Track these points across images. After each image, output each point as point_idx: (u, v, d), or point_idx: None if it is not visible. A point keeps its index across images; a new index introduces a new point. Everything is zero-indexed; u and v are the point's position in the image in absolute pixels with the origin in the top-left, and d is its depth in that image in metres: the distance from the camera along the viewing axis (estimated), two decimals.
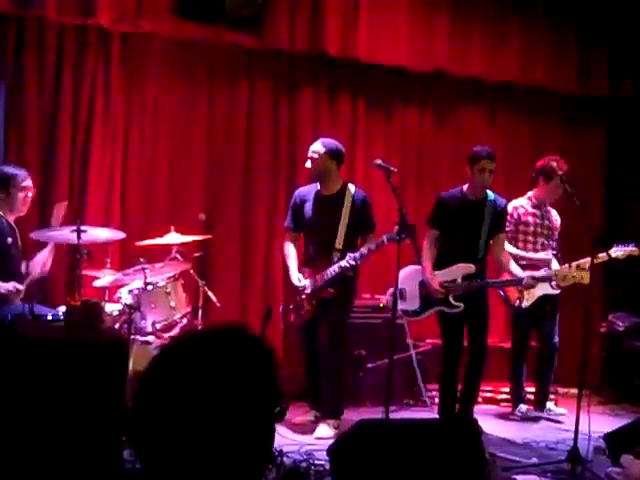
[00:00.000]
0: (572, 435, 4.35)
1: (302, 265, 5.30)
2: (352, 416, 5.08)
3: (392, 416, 4.57)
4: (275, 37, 6.21)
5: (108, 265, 5.25)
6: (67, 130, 5.85)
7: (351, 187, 5.29)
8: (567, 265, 5.59)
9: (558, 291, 5.56)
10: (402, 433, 3.66)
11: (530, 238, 5.80)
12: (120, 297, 5.09)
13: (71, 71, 5.86)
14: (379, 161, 4.81)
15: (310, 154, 5.23)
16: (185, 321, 5.23)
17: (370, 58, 6.55)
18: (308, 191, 5.36)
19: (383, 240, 4.88)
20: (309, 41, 6.32)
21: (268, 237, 6.44)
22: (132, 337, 4.75)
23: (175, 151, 6.25)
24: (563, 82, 7.23)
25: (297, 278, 5.21)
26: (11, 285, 4.65)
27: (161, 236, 5.36)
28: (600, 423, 4.89)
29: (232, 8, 5.89)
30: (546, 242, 5.84)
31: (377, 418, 4.64)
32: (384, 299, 5.76)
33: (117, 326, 4.87)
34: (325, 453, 3.68)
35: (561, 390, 6.45)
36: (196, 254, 5.69)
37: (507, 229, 5.65)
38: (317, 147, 5.21)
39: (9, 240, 4.77)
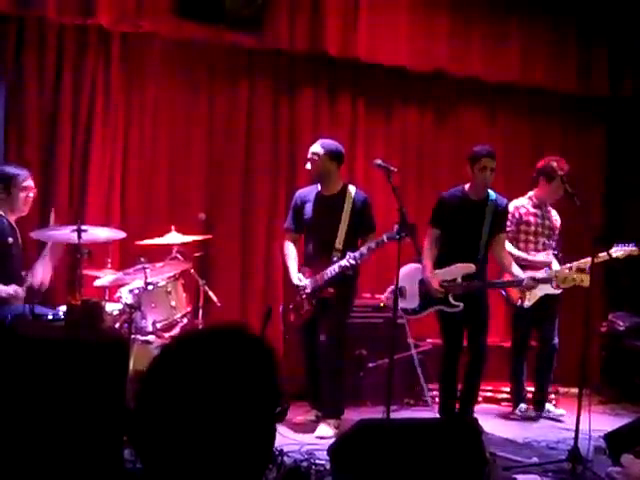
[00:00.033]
0: (573, 435, 4.35)
1: (302, 265, 5.31)
2: (353, 416, 5.08)
3: (393, 416, 4.57)
4: (275, 37, 6.21)
5: (109, 265, 5.25)
6: (67, 130, 5.85)
7: (352, 188, 5.29)
8: (567, 266, 5.59)
9: (559, 291, 5.55)
10: (402, 433, 3.66)
11: (531, 238, 5.80)
12: (120, 297, 5.09)
13: (71, 71, 5.86)
14: (379, 161, 4.81)
15: (310, 156, 5.23)
16: (185, 321, 5.23)
17: (370, 58, 6.55)
18: (309, 192, 5.37)
19: (383, 239, 4.88)
20: (309, 41, 6.32)
21: (268, 237, 6.44)
22: (132, 337, 4.75)
23: (175, 151, 6.25)
24: (563, 82, 7.23)
25: (297, 278, 5.21)
26: (12, 289, 4.63)
27: (161, 236, 5.36)
28: (600, 423, 4.89)
29: (232, 8, 5.89)
30: (547, 242, 5.84)
31: (378, 418, 4.64)
32: (383, 296, 5.76)
33: (117, 326, 4.86)
34: (326, 453, 3.69)
35: (561, 390, 6.45)
36: (196, 254, 5.69)
37: (508, 229, 5.65)
38: (316, 149, 5.21)
39: (10, 240, 4.77)
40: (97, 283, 5.06)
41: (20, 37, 5.73)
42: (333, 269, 5.05)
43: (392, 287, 5.34)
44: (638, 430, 4.54)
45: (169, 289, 5.13)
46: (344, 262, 4.99)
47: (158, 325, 5.06)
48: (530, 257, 5.70)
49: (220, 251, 6.27)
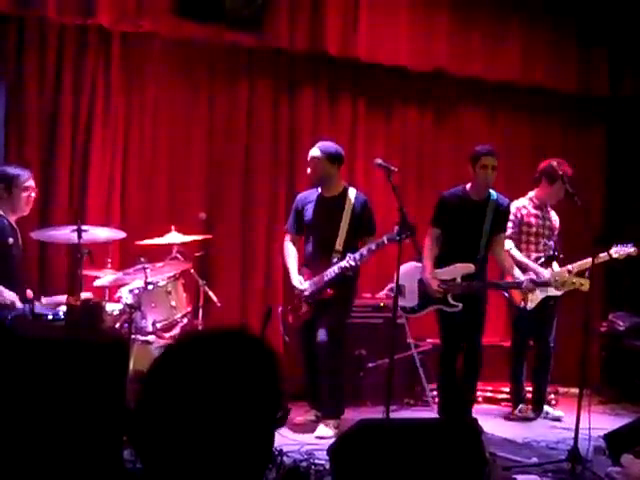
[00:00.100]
0: (572, 435, 4.35)
1: (302, 266, 5.31)
2: (352, 416, 5.08)
3: (392, 416, 4.57)
4: (275, 37, 6.22)
5: (109, 265, 5.25)
6: (67, 130, 5.85)
7: (352, 190, 5.30)
8: (567, 268, 5.59)
9: (561, 292, 5.55)
10: (402, 433, 3.65)
11: (532, 239, 5.79)
12: (121, 296, 5.09)
13: (71, 71, 5.86)
14: (379, 160, 4.82)
15: (309, 161, 5.23)
16: (185, 321, 5.23)
17: (370, 58, 6.55)
18: (310, 194, 5.39)
19: (383, 240, 4.88)
20: (309, 41, 6.32)
21: (268, 237, 6.44)
22: (132, 337, 4.75)
23: (175, 151, 6.25)
24: (563, 82, 7.23)
25: (298, 281, 5.22)
26: (9, 300, 4.59)
27: (161, 236, 5.36)
28: (600, 423, 4.89)
29: (232, 8, 5.89)
30: (547, 242, 5.84)
31: (377, 418, 4.64)
32: (382, 294, 5.76)
33: (118, 326, 4.87)
34: (325, 453, 3.68)
35: (561, 390, 6.46)
36: (196, 254, 5.70)
37: (511, 231, 5.65)
38: (316, 153, 5.21)
39: (10, 240, 4.76)
40: (97, 283, 5.06)
41: (20, 37, 5.73)
42: (333, 270, 5.05)
43: (391, 285, 5.34)
44: (638, 430, 4.54)
45: (169, 289, 5.13)
46: (344, 263, 4.99)
47: (158, 325, 5.06)
48: (532, 264, 5.66)
49: (220, 251, 6.27)
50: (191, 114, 6.30)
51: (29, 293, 4.79)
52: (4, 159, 5.62)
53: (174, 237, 5.35)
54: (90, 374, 3.43)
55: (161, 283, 5.14)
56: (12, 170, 4.88)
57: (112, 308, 4.89)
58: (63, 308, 4.45)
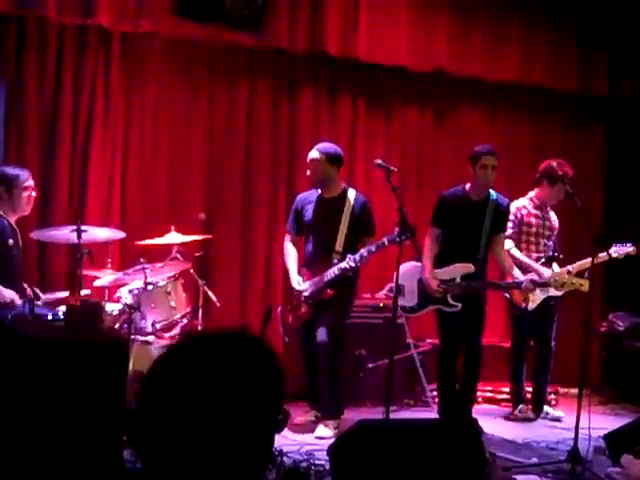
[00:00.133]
0: (572, 435, 4.35)
1: (302, 266, 5.31)
2: (352, 416, 5.09)
3: (392, 416, 4.57)
4: (275, 37, 6.21)
5: (109, 265, 5.25)
6: (67, 130, 5.85)
7: (351, 191, 5.30)
8: (567, 269, 5.59)
9: (562, 292, 5.55)
10: (402, 433, 3.65)
11: (532, 239, 5.79)
12: (120, 297, 5.09)
13: (71, 71, 5.86)
14: (379, 161, 4.82)
15: (309, 162, 5.23)
16: (185, 321, 5.23)
17: (370, 58, 6.55)
18: (309, 194, 5.39)
19: (384, 242, 4.88)
20: (309, 41, 6.32)
21: (268, 237, 6.44)
22: (132, 337, 4.75)
23: (175, 151, 6.25)
24: (563, 82, 7.23)
25: (297, 282, 5.22)
26: (8, 298, 4.59)
27: (161, 236, 5.36)
28: (600, 423, 4.89)
29: (232, 8, 5.89)
30: (547, 243, 5.84)
31: (377, 418, 4.64)
32: (382, 293, 5.76)
33: (117, 326, 4.86)
34: (325, 453, 3.68)
35: (561, 390, 6.46)
36: (196, 254, 5.69)
37: (511, 231, 5.65)
38: (315, 155, 5.21)
39: (10, 241, 4.77)
40: (97, 283, 5.06)
41: (20, 37, 5.73)
42: (333, 271, 5.05)
43: (390, 285, 5.34)
44: (638, 430, 4.54)
45: (169, 289, 5.13)
46: (344, 264, 4.99)
47: (158, 325, 5.06)
48: (532, 264, 5.66)
49: (220, 251, 6.27)
50: (191, 114, 6.30)
51: (29, 291, 4.80)
52: (4, 159, 5.62)
53: (174, 237, 5.35)
54: (90, 374, 3.43)
55: (161, 283, 5.14)
56: (11, 170, 4.88)
57: (112, 308, 4.89)
58: (63, 308, 4.44)
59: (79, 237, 4.64)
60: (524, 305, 5.67)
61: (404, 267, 5.15)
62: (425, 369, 6.10)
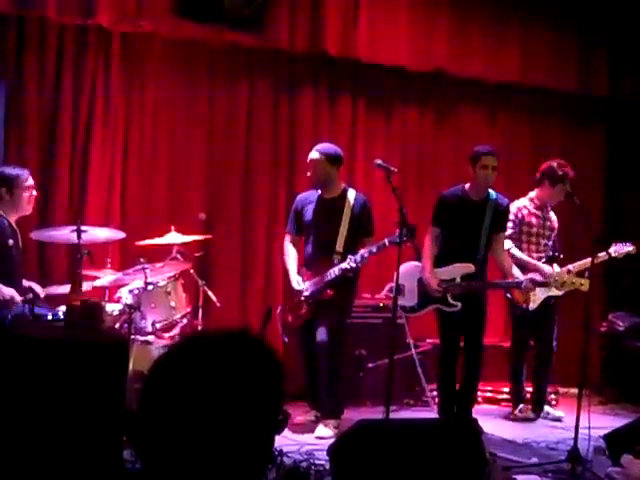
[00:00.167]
0: (572, 435, 4.35)
1: (302, 267, 5.31)
2: (352, 416, 5.08)
3: (392, 416, 4.57)
4: (275, 37, 6.21)
5: (108, 265, 5.25)
6: (67, 130, 5.85)
7: (351, 191, 5.31)
8: (566, 268, 5.59)
9: (562, 292, 5.55)
10: (402, 433, 3.65)
11: (533, 239, 5.79)
12: (120, 297, 5.08)
13: (71, 71, 5.86)
14: (379, 161, 4.82)
15: (309, 163, 5.23)
16: (185, 321, 5.23)
17: (370, 58, 6.55)
18: (309, 194, 5.39)
19: (385, 243, 4.89)
20: (309, 41, 6.32)
21: (268, 237, 6.44)
22: (132, 337, 4.75)
23: (175, 151, 6.25)
24: (563, 82, 7.23)
25: (297, 282, 5.22)
26: (8, 296, 4.59)
27: (161, 236, 5.35)
28: (600, 423, 4.89)
29: (231, 7, 5.89)
30: (548, 243, 5.85)
31: (377, 418, 4.64)
32: (382, 294, 5.76)
33: (117, 326, 4.86)
34: (325, 453, 3.68)
35: (561, 390, 6.46)
36: (196, 254, 5.69)
37: (511, 231, 5.65)
38: (315, 155, 5.21)
39: (10, 242, 4.76)
40: (97, 283, 5.05)
41: (20, 37, 5.73)
42: (333, 271, 5.06)
43: (390, 285, 5.34)
44: (638, 430, 4.54)
45: (169, 289, 5.13)
46: (345, 265, 4.99)
47: (158, 325, 5.06)
48: (533, 262, 5.65)
49: (220, 251, 6.27)
50: (191, 114, 6.30)
51: (29, 288, 4.80)
52: (4, 159, 5.62)
53: (174, 237, 5.35)
54: (90, 374, 3.43)
55: (161, 283, 5.14)
56: (11, 171, 4.87)
57: (112, 308, 4.89)
58: (63, 308, 4.44)
59: (79, 237, 4.63)
60: (525, 305, 5.67)
61: (404, 267, 5.15)
62: (424, 369, 6.10)
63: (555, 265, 5.70)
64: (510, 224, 5.63)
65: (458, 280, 5.13)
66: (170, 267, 5.20)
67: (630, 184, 7.57)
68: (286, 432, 4.87)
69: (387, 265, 5.69)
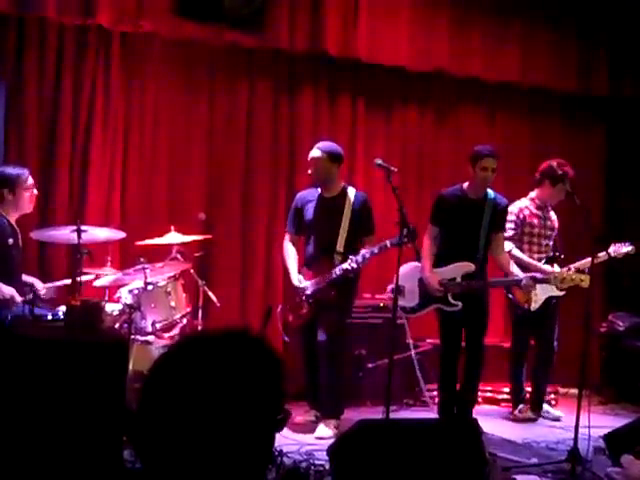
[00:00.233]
0: (572, 435, 4.35)
1: (302, 266, 5.31)
2: (352, 416, 5.08)
3: (392, 416, 4.57)
4: (275, 37, 6.21)
5: (109, 265, 5.24)
6: (67, 130, 5.85)
7: (351, 189, 5.31)
8: (567, 268, 5.59)
9: (563, 292, 5.55)
10: (402, 433, 3.65)
11: (534, 240, 5.79)
12: (120, 297, 5.08)
13: (71, 71, 5.85)
14: (379, 161, 4.82)
15: (310, 161, 5.23)
16: (185, 321, 5.23)
17: (370, 58, 6.54)
18: (309, 193, 5.39)
19: (386, 244, 4.89)
20: (309, 41, 6.32)
21: (268, 237, 6.43)
22: (132, 337, 4.75)
23: (175, 151, 6.25)
24: (563, 82, 7.23)
25: (298, 279, 5.22)
26: (8, 295, 4.59)
27: (161, 236, 5.35)
28: (600, 423, 4.89)
29: (231, 7, 5.88)
30: (549, 243, 5.85)
31: (377, 418, 4.64)
32: (385, 295, 5.76)
33: (117, 326, 4.86)
34: (325, 453, 3.69)
35: (561, 390, 6.46)
36: (196, 254, 5.69)
37: (513, 231, 5.65)
38: (316, 153, 5.22)
39: (10, 241, 4.77)
40: (97, 283, 5.05)
41: (20, 37, 5.73)
42: (334, 272, 5.05)
43: (392, 286, 5.33)
44: (638, 430, 4.54)
45: (169, 289, 5.13)
46: (346, 265, 4.99)
47: (158, 325, 5.06)
48: (534, 263, 5.64)
49: (220, 251, 6.27)
50: (191, 114, 6.29)
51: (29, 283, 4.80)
52: (4, 159, 5.62)
53: (174, 237, 5.35)
54: (90, 374, 3.43)
55: (161, 283, 5.14)
56: (12, 171, 4.88)
57: (112, 308, 4.89)
58: (63, 308, 4.45)
59: (79, 237, 4.63)
60: (527, 306, 5.67)
61: (404, 268, 5.15)
62: (423, 369, 6.10)
63: (555, 266, 5.70)
64: (512, 225, 5.63)
65: (458, 279, 5.13)
66: (170, 267, 5.20)
67: (630, 184, 7.57)
68: (286, 432, 4.88)
69: (388, 265, 5.68)
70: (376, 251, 4.98)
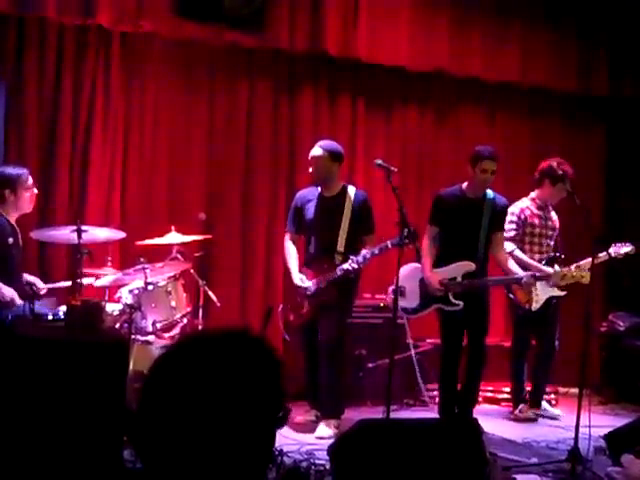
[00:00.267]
0: (572, 435, 4.35)
1: (303, 266, 5.31)
2: (353, 416, 5.08)
3: (392, 416, 4.57)
4: (275, 37, 6.21)
5: (109, 265, 5.25)
6: (67, 130, 5.85)
7: (351, 188, 5.31)
8: (567, 268, 5.59)
9: (564, 292, 5.55)
10: (402, 433, 3.65)
11: (536, 240, 5.79)
12: (120, 297, 5.09)
13: (71, 71, 5.86)
14: (379, 161, 4.82)
15: (311, 160, 5.23)
16: (185, 321, 5.23)
17: (370, 58, 6.54)
18: (309, 192, 5.39)
19: (387, 245, 4.89)
20: (309, 41, 6.32)
21: (268, 237, 6.44)
22: (132, 337, 4.75)
23: (175, 151, 6.25)
24: (563, 82, 7.23)
25: (299, 279, 5.22)
26: (8, 297, 4.58)
27: (161, 236, 5.36)
28: (600, 423, 4.89)
29: (232, 7, 5.89)
30: (550, 243, 5.85)
31: (377, 418, 4.64)
32: (386, 296, 5.76)
33: (118, 326, 4.86)
34: (325, 453, 3.68)
35: (561, 390, 6.46)
36: (196, 254, 5.69)
37: (515, 232, 5.65)
38: (317, 152, 5.21)
39: (10, 240, 4.77)
40: (97, 283, 5.05)
41: (20, 37, 5.73)
42: (335, 272, 5.05)
43: (393, 287, 5.34)
44: (638, 430, 4.54)
45: (169, 289, 5.13)
46: (347, 266, 4.99)
47: (158, 325, 5.06)
48: (536, 264, 5.64)
49: (220, 251, 6.27)
50: (191, 114, 6.29)
51: (29, 285, 4.80)
52: (4, 159, 5.62)
53: (174, 237, 5.35)
54: (90, 374, 3.43)
55: (161, 283, 5.14)
56: (12, 171, 4.88)
57: (112, 308, 4.89)
58: (63, 308, 4.45)
59: (79, 237, 4.63)
60: (528, 306, 5.66)
61: (405, 269, 5.15)
62: (422, 369, 6.10)
63: (556, 266, 5.70)
64: (513, 225, 5.63)
65: (459, 279, 5.12)
66: (170, 267, 5.20)
67: (630, 184, 7.57)
68: (286, 432, 4.88)
69: (388, 266, 5.68)
70: (377, 252, 4.98)
